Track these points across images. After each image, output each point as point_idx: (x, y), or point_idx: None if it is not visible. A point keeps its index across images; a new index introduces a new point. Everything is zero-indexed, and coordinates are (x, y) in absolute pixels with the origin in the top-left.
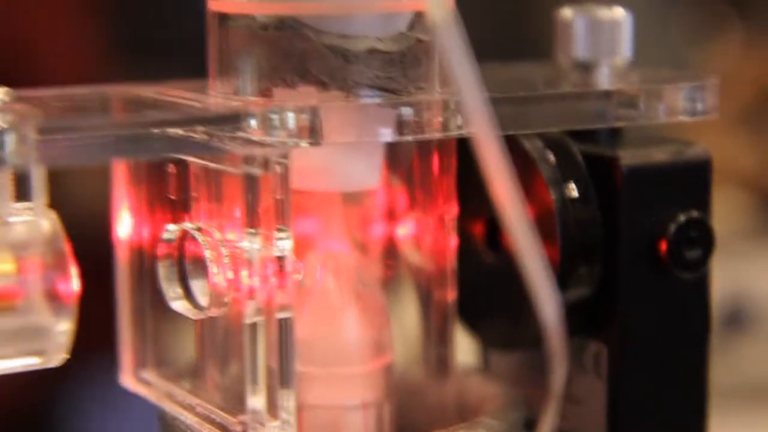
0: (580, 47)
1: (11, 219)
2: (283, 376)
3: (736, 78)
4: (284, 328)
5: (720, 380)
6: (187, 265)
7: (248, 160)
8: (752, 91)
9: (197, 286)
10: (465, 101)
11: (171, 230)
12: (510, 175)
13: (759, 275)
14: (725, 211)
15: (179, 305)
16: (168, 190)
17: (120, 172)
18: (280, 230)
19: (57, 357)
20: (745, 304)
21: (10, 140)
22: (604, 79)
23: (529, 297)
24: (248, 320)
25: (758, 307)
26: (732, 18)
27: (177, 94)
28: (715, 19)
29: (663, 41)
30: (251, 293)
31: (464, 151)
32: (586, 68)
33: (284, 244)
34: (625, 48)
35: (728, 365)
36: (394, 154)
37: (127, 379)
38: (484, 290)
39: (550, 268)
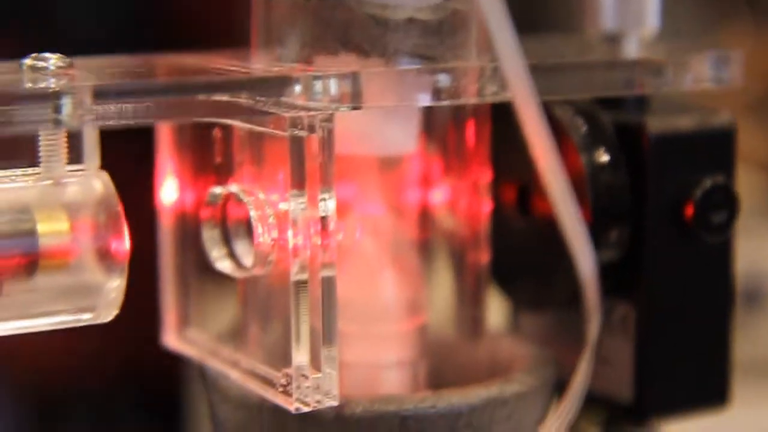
0: (607, 19)
1: (65, 180)
2: (326, 331)
3: (746, 68)
4: (327, 286)
5: (736, 356)
6: (231, 227)
7: (294, 123)
8: (762, 81)
9: (241, 246)
10: (506, 67)
11: (216, 193)
12: (549, 137)
13: None
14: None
15: (223, 265)
16: (212, 155)
17: (165, 137)
18: (324, 191)
19: (108, 313)
20: (761, 281)
21: (67, 103)
22: (631, 49)
23: (562, 257)
24: (293, 278)
25: None
26: (742, 8)
27: (223, 61)
28: (725, 10)
29: (673, 32)
30: (296, 252)
31: (497, 119)
32: (613, 39)
33: (328, 205)
34: (652, 19)
35: (745, 342)
36: (430, 121)
37: (171, 339)
38: (515, 253)
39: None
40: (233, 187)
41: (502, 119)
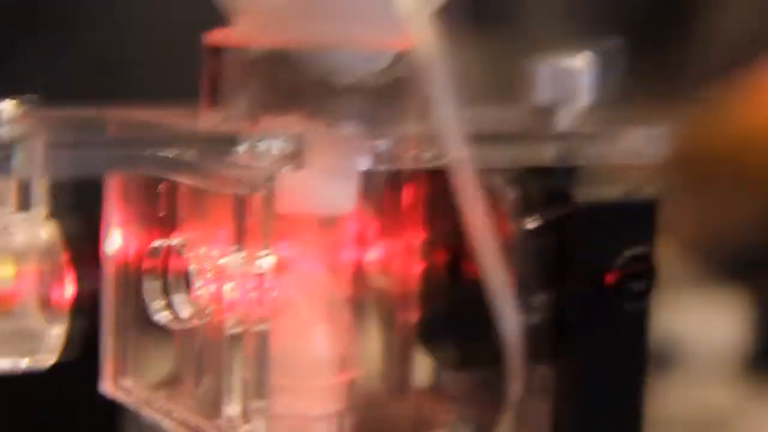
0: (541, 93)
1: (12, 228)
2: (257, 384)
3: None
4: (261, 340)
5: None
6: (171, 279)
7: (237, 181)
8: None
9: (179, 299)
10: (444, 134)
11: (157, 245)
12: (482, 203)
13: (688, 320)
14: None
15: (162, 316)
16: (158, 208)
17: (112, 189)
18: (262, 249)
19: (48, 359)
20: (674, 346)
21: (19, 152)
22: (564, 121)
23: (488, 320)
24: (228, 331)
25: (686, 349)
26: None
27: (172, 118)
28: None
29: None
30: (232, 306)
31: (432, 184)
32: (547, 113)
33: (265, 262)
34: (584, 94)
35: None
36: (368, 184)
37: (107, 386)
38: (441, 315)
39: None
40: (175, 241)
41: (435, 186)
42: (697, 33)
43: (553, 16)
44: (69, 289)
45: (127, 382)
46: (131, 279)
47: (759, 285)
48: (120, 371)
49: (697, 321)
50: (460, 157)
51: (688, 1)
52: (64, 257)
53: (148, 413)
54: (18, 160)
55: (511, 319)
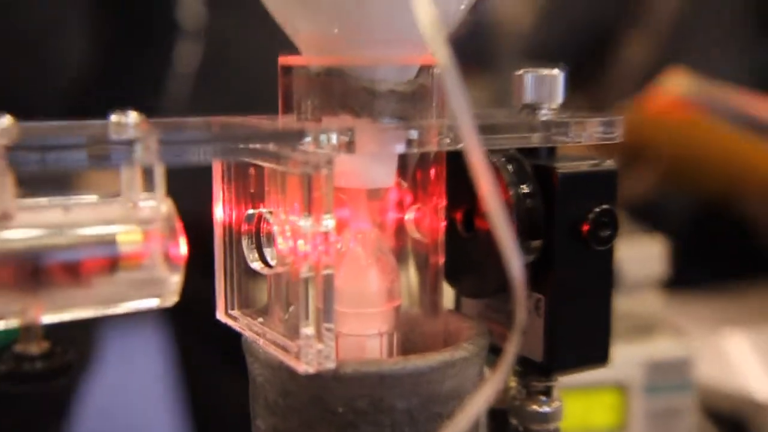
0: (528, 95)
1: (140, 203)
2: (326, 313)
3: None
4: (327, 280)
5: None
6: (262, 238)
7: (305, 163)
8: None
9: (268, 252)
10: (461, 125)
11: (251, 214)
12: (490, 174)
13: (625, 256)
14: None
15: (256, 265)
16: (249, 186)
17: (216, 173)
18: (325, 213)
19: (171, 299)
20: (618, 273)
21: (139, 147)
22: (544, 115)
23: (494, 261)
24: (303, 275)
25: (625, 275)
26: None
27: (257, 121)
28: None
29: None
30: (305, 257)
31: (450, 163)
32: (532, 109)
33: (328, 223)
34: (559, 95)
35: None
36: (403, 164)
37: (220, 315)
38: (460, 257)
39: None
40: (263, 210)
41: (454, 164)
42: (613, 65)
43: (516, 57)
44: (183, 248)
45: (234, 312)
46: (233, 238)
47: (669, 231)
48: (228, 304)
49: (630, 257)
50: (472, 142)
51: (607, 43)
52: (179, 224)
53: (249, 334)
54: (139, 153)
55: (515, 259)
